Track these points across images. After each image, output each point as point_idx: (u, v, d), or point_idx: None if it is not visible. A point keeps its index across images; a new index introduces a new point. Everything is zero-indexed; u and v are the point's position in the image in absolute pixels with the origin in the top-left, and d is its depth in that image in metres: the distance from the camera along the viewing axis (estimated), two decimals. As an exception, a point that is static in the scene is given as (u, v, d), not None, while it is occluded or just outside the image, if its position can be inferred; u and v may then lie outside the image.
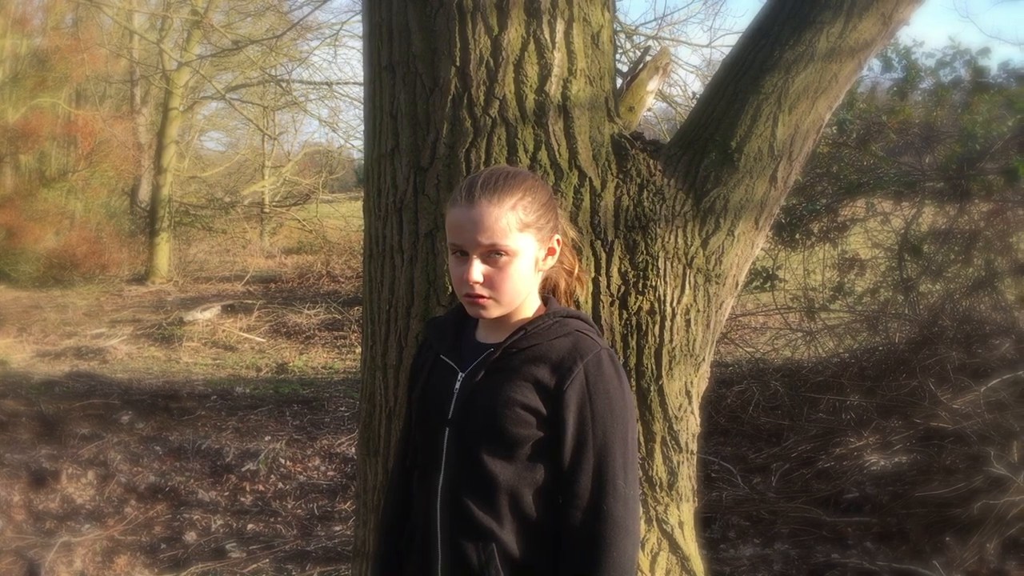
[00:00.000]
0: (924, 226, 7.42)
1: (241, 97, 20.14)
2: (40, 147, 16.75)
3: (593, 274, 2.37)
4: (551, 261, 1.81)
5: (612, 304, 2.39)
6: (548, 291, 1.88)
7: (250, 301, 14.01)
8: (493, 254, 1.68)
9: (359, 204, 2.87)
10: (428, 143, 2.41)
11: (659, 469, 2.43)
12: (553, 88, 2.40)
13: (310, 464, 6.05)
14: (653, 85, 3.07)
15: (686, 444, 2.49)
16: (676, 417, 2.45)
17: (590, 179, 2.40)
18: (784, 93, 2.47)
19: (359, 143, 22.56)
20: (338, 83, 18.66)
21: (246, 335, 11.91)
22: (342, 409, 7.67)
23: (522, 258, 1.70)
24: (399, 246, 2.47)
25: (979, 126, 6.30)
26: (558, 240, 1.81)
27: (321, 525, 5.05)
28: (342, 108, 25.11)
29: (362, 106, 2.78)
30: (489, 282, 1.69)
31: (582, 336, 1.75)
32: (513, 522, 1.70)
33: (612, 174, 2.43)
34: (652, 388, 2.40)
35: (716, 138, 2.47)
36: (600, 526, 1.65)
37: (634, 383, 2.39)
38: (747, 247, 2.55)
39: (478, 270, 1.68)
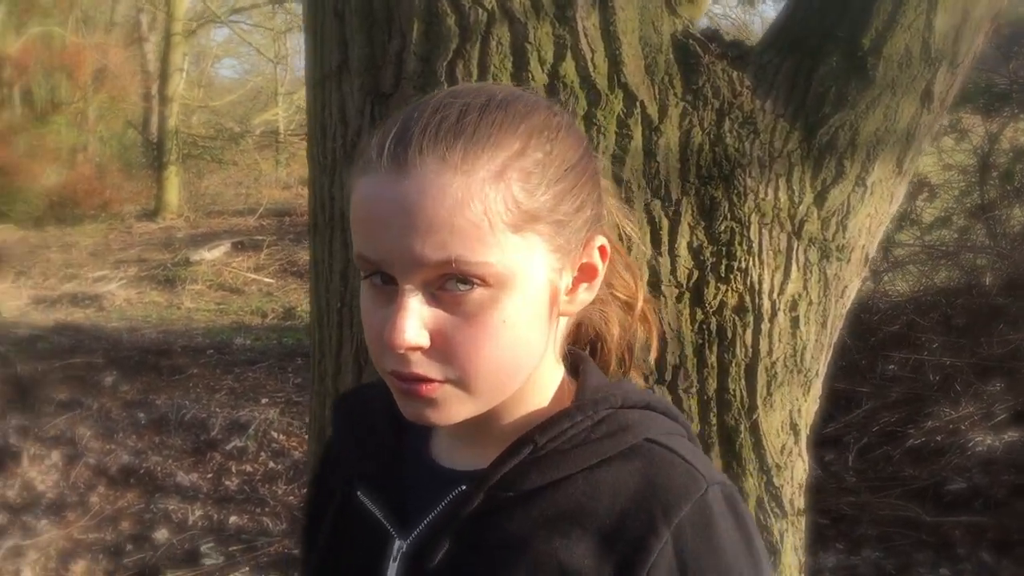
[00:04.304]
0: (1005, 143, 6.46)
1: (249, 20, 19.14)
2: (35, 79, 15.88)
3: (649, 253, 1.53)
4: (587, 294, 0.89)
5: (679, 299, 1.54)
6: (582, 345, 0.98)
7: (260, 237, 13.23)
8: (453, 283, 0.79)
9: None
10: (391, 55, 1.56)
11: (753, 547, 1.61)
12: (582, -39, 1.52)
13: (307, 436, 5.31)
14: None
15: (791, 503, 1.67)
16: (778, 466, 1.63)
17: (642, 104, 1.53)
18: (946, -41, 1.57)
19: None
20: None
21: (254, 276, 11.17)
22: (350, 363, 6.93)
23: (520, 291, 0.81)
24: (353, 213, 1.63)
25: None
26: (602, 247, 0.89)
27: (315, 517, 4.33)
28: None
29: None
30: (443, 347, 0.80)
31: (663, 454, 0.85)
32: None
33: (676, 95, 1.56)
34: (742, 426, 1.57)
35: (838, 34, 1.59)
36: None
37: (715, 419, 1.56)
38: (884, 202, 1.68)
39: (415, 320, 0.79)
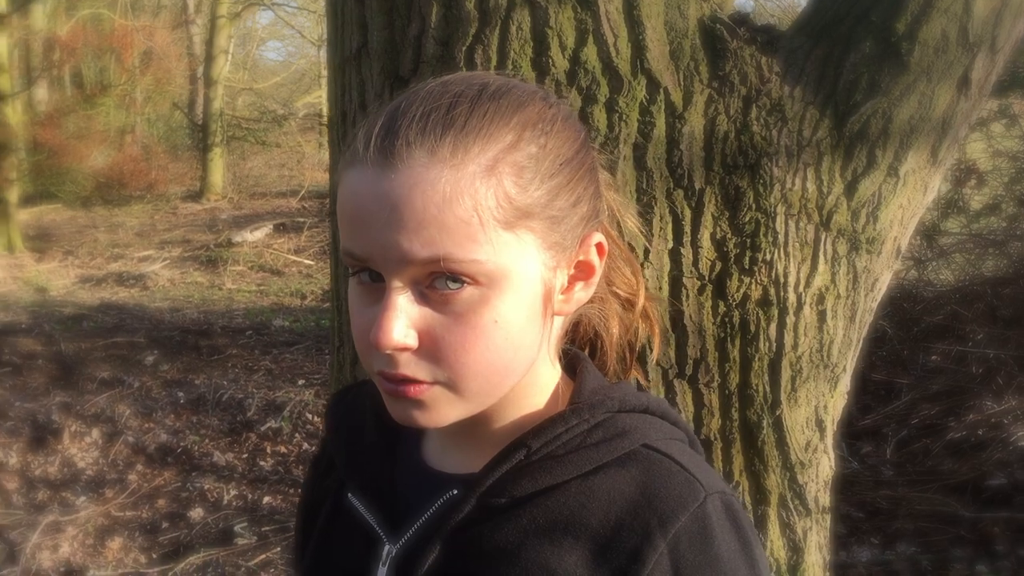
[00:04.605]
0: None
1: (293, 3, 19.24)
2: (85, 61, 16.12)
3: (671, 244, 1.49)
4: (583, 293, 0.86)
5: (701, 291, 1.51)
6: (581, 344, 0.94)
7: (302, 219, 13.32)
8: (441, 281, 0.76)
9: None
10: (409, 39, 1.54)
11: (774, 546, 1.58)
12: (606, -58, 1.48)
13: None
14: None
15: (816, 500, 1.63)
16: (801, 463, 1.59)
17: (666, 90, 1.50)
18: (987, -60, 1.51)
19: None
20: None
21: (294, 258, 11.26)
22: (386, 346, 6.96)
23: (512, 290, 0.77)
24: (372, 200, 1.61)
25: None
26: (600, 244, 0.85)
27: (347, 499, 4.35)
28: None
29: None
30: (431, 347, 0.77)
31: (660, 461, 0.82)
32: None
33: (702, 81, 1.52)
34: (765, 422, 1.54)
35: (871, 18, 1.54)
36: None
37: (737, 415, 1.53)
38: (917, 193, 1.62)
39: (402, 319, 0.76)
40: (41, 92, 16.74)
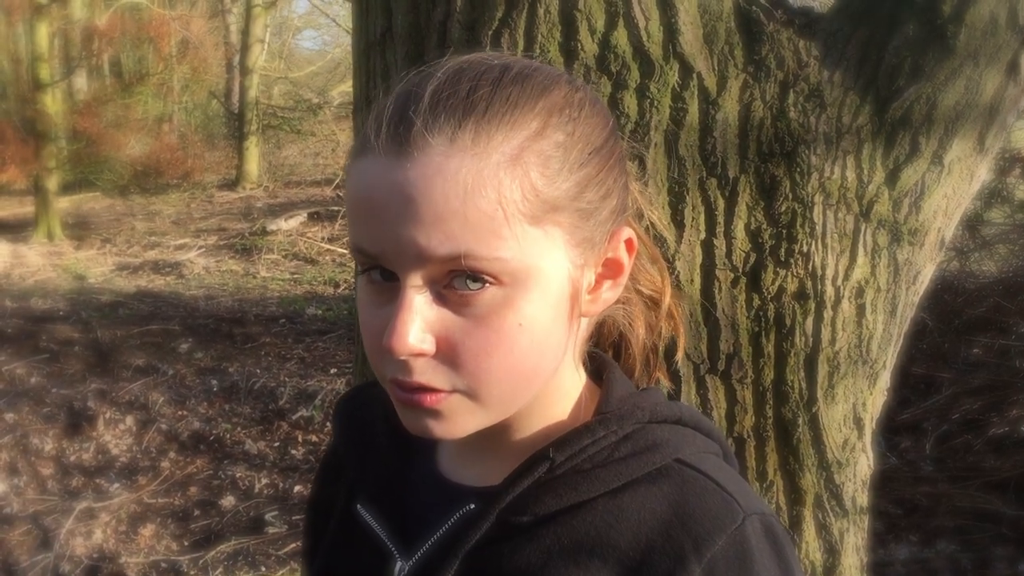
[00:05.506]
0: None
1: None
2: (123, 50, 16.28)
3: (704, 235, 1.44)
4: (611, 293, 0.80)
5: (735, 284, 1.45)
6: (604, 347, 0.88)
7: (336, 208, 13.36)
8: (461, 280, 0.70)
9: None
10: (435, 23, 1.50)
11: (810, 547, 1.52)
12: (638, -78, 1.43)
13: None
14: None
15: (853, 501, 1.57)
16: (839, 462, 1.53)
17: (699, 75, 1.44)
18: (1040, -85, 1.44)
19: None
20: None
21: (328, 246, 11.30)
22: (418, 335, 6.97)
23: (537, 290, 0.71)
24: (396, 189, 1.58)
25: None
26: (629, 240, 0.79)
27: (377, 489, 4.35)
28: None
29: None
30: (449, 352, 0.71)
31: (695, 478, 0.76)
32: None
33: (737, 66, 1.47)
34: (800, 419, 1.48)
35: (916, 0, 1.47)
36: None
37: (771, 412, 1.48)
38: (963, 182, 1.56)
39: (418, 322, 0.70)
40: (80, 81, 16.96)
